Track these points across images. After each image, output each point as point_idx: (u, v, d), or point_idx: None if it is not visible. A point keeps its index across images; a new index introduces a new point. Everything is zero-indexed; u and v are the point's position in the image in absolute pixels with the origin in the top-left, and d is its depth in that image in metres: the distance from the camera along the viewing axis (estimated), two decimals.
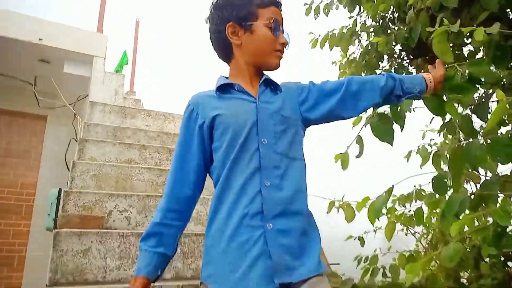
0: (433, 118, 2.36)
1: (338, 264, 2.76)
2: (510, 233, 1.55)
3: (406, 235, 2.59)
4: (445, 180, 1.48)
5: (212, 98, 1.13)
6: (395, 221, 1.84)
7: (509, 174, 1.67)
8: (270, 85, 1.17)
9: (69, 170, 3.71)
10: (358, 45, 2.66)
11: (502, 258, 1.84)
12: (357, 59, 2.59)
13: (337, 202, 2.03)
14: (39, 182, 4.64)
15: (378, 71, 2.65)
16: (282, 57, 1.18)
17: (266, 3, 1.14)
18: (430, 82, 1.23)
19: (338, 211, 2.03)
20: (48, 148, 4.74)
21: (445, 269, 1.89)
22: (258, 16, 1.13)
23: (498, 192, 1.54)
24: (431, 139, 2.76)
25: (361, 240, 2.37)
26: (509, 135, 1.20)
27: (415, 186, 2.18)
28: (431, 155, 1.40)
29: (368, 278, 1.89)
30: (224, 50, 1.19)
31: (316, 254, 1.05)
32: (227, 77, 1.20)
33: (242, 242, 0.99)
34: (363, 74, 2.62)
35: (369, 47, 2.47)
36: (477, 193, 1.44)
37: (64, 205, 2.13)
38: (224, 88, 1.13)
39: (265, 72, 1.20)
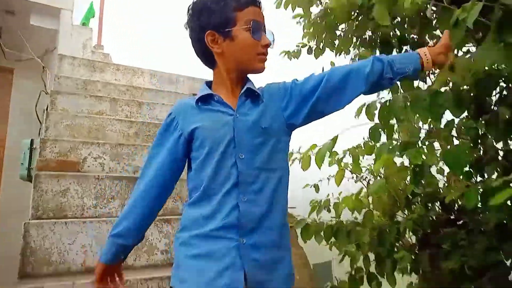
0: None
1: (295, 207, 3.06)
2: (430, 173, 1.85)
3: (355, 182, 2.90)
4: (380, 129, 1.74)
5: (193, 109, 1.12)
6: (341, 167, 2.13)
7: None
8: (252, 94, 1.13)
9: (40, 121, 3.80)
10: (320, 6, 2.81)
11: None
12: (318, 20, 2.76)
13: (296, 154, 2.29)
14: (8, 134, 4.67)
15: (337, 32, 2.84)
16: (265, 60, 1.13)
17: (243, 4, 1.09)
18: (426, 55, 1.14)
19: (299, 162, 2.29)
20: (16, 101, 4.74)
21: (381, 208, 2.19)
22: (237, 20, 1.08)
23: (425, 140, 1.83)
24: (382, 97, 3.03)
25: (316, 187, 2.66)
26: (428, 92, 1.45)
27: (364, 138, 2.46)
28: (364, 107, 1.64)
29: (314, 214, 2.17)
30: (207, 59, 1.16)
31: (287, 269, 1.09)
32: (211, 83, 1.19)
33: (214, 250, 1.01)
34: (323, 35, 2.80)
35: (328, 10, 2.64)
36: (404, 141, 1.71)
37: (41, 151, 2.29)
38: (205, 99, 1.12)
39: None
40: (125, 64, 4.05)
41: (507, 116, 1.34)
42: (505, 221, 1.57)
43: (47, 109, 2.99)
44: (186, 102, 1.15)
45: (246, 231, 1.02)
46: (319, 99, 1.11)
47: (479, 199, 1.40)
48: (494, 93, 1.45)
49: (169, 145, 1.11)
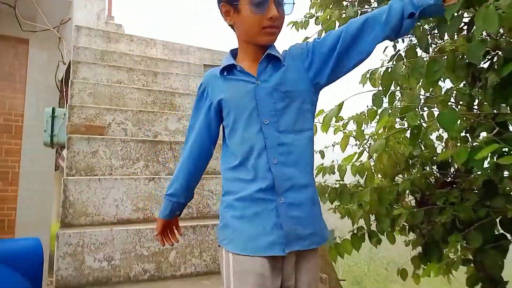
0: (386, 47, 2.73)
1: None
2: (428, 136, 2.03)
3: (358, 148, 3.08)
4: (382, 96, 1.90)
5: (219, 79, 1.17)
6: (346, 134, 2.30)
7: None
8: (272, 59, 1.14)
9: (59, 90, 3.98)
10: None
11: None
12: None
13: None
14: (26, 104, 4.84)
15: (344, 3, 2.93)
16: (273, 32, 1.12)
17: None
18: None
19: None
20: (32, 71, 4.87)
21: (382, 171, 2.37)
22: None
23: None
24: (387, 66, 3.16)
25: (321, 153, 2.84)
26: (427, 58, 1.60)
27: (367, 106, 2.62)
28: (368, 74, 1.80)
29: (319, 178, 2.36)
30: (232, 29, 1.20)
31: (322, 220, 1.17)
32: (236, 51, 1.22)
33: (257, 212, 1.08)
34: (331, 6, 2.91)
35: None
36: (404, 105, 1.88)
37: (70, 117, 2.48)
38: (229, 69, 1.16)
39: None
40: (138, 35, 4.18)
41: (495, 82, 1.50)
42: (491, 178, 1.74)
43: (67, 78, 3.16)
44: (213, 73, 1.20)
45: (283, 191, 1.08)
46: (340, 53, 1.10)
47: (468, 156, 1.57)
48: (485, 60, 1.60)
49: (203, 114, 1.20)
